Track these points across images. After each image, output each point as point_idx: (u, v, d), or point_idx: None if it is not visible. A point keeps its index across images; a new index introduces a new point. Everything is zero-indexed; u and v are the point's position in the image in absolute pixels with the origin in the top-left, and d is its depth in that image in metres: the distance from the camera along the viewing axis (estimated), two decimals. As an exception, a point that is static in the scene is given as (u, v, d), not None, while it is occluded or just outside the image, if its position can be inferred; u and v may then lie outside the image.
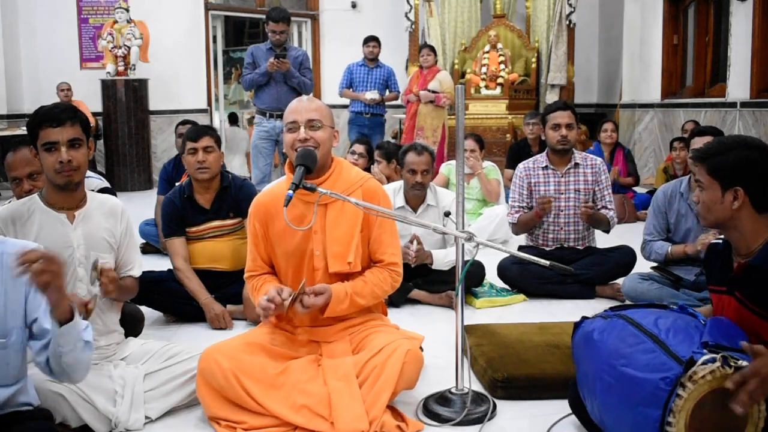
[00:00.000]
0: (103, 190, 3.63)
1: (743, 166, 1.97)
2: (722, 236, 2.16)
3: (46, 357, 1.91)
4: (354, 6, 10.36)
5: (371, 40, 7.46)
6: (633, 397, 1.83)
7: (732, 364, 1.74)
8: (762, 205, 1.98)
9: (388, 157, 5.34)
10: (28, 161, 2.78)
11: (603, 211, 4.00)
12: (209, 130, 3.62)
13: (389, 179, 5.27)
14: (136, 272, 2.60)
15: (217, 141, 3.59)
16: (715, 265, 2.13)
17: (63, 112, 2.33)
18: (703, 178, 2.04)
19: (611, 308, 2.14)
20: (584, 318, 2.16)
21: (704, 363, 1.74)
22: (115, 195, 3.69)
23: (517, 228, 4.11)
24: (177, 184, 4.16)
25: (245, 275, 2.66)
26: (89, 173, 3.83)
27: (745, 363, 1.74)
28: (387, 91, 7.47)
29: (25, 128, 8.38)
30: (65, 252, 2.35)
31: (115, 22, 8.52)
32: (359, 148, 5.39)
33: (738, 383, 1.65)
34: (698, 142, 3.57)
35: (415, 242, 3.71)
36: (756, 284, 1.94)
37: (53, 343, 1.88)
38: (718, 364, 1.74)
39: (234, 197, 3.54)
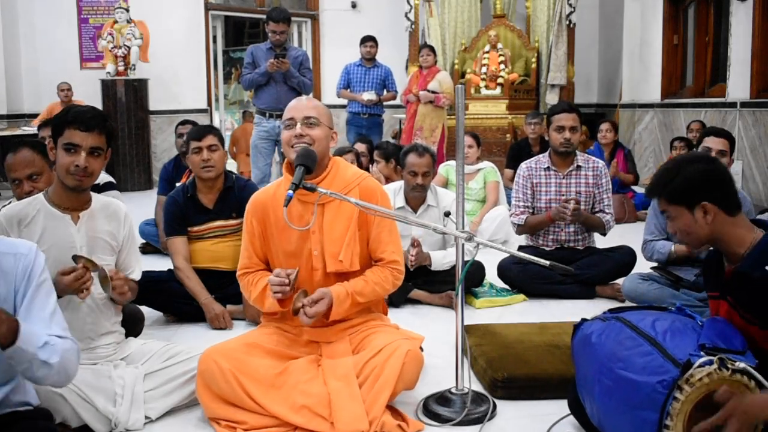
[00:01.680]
0: (106, 185, 3.65)
1: (697, 180, 1.98)
2: None
3: None
4: (354, 6, 10.36)
5: (368, 40, 7.46)
6: (631, 400, 1.83)
7: (729, 366, 1.74)
8: (731, 207, 1.99)
9: (387, 157, 5.35)
10: (29, 162, 2.78)
11: (599, 214, 4.00)
12: (213, 129, 3.65)
13: (388, 179, 5.28)
14: (136, 275, 2.61)
15: (221, 140, 3.61)
16: (710, 270, 2.14)
17: (94, 119, 2.34)
18: (668, 208, 2.06)
19: (610, 310, 2.14)
20: (583, 320, 2.16)
21: (701, 365, 1.74)
22: (118, 189, 3.73)
23: (524, 229, 4.09)
24: (178, 183, 4.17)
25: (238, 272, 2.65)
26: None
27: (741, 365, 1.74)
28: (384, 91, 7.47)
29: (25, 128, 8.34)
30: (68, 252, 2.35)
31: (115, 22, 8.52)
32: (360, 147, 5.42)
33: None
34: (710, 142, 3.50)
35: (415, 246, 3.71)
36: (745, 290, 1.94)
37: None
38: (715, 366, 1.74)
39: (237, 198, 3.54)
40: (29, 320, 1.84)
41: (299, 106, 2.52)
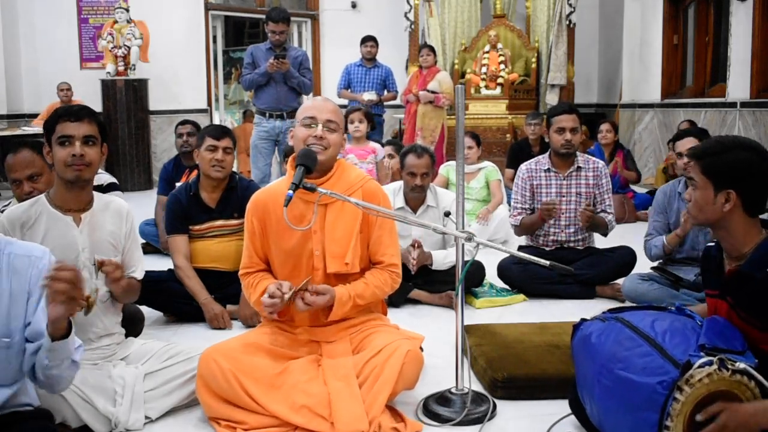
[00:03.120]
0: (110, 186, 3.66)
1: (739, 168, 1.95)
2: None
3: (33, 363, 1.89)
4: (354, 6, 10.36)
5: (369, 40, 7.47)
6: (631, 400, 1.83)
7: (729, 366, 1.74)
8: (754, 208, 1.97)
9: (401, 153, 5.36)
10: (29, 163, 2.78)
11: (602, 214, 4.00)
12: (230, 132, 3.70)
13: (397, 174, 5.30)
14: (139, 274, 2.60)
15: (235, 144, 3.69)
16: (710, 268, 2.13)
17: (82, 110, 2.39)
18: (697, 176, 2.02)
19: (610, 310, 2.13)
20: (583, 320, 2.15)
21: (701, 366, 1.74)
22: (121, 191, 3.74)
23: (520, 230, 4.10)
24: (178, 183, 4.17)
25: (240, 272, 2.65)
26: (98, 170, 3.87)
27: (741, 365, 1.74)
28: (385, 91, 7.48)
29: (25, 128, 8.32)
30: (71, 254, 2.36)
31: (115, 22, 8.52)
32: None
33: None
34: (681, 146, 3.59)
35: (415, 247, 3.71)
36: (746, 291, 1.93)
37: (41, 355, 1.86)
38: (714, 366, 1.73)
39: (239, 198, 3.55)
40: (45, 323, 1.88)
41: (320, 106, 2.53)
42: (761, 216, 2.04)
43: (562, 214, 3.97)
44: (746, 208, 1.96)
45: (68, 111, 2.37)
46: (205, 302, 3.44)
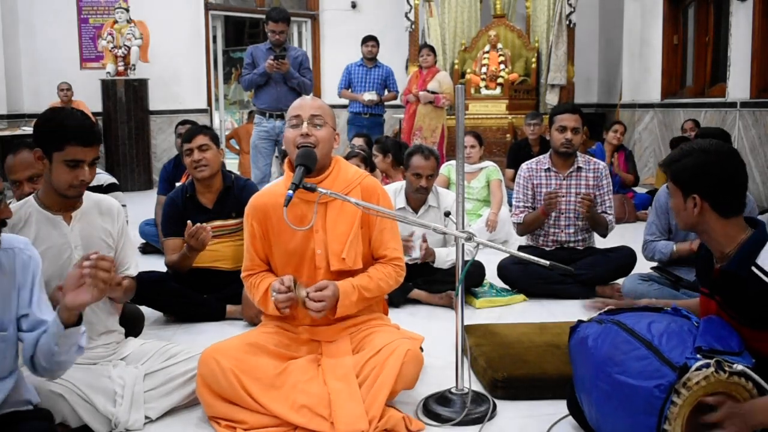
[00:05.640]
0: (110, 186, 3.66)
1: (698, 172, 1.97)
2: None
3: (32, 352, 1.93)
4: (354, 6, 10.36)
5: (369, 40, 7.47)
6: (629, 404, 1.82)
7: (726, 368, 1.73)
8: (725, 210, 1.97)
9: (385, 151, 5.35)
10: (29, 164, 2.78)
11: (602, 215, 3.99)
12: (203, 129, 3.65)
13: (385, 173, 5.29)
14: (133, 271, 2.60)
15: (213, 139, 3.60)
16: (702, 266, 2.14)
17: (93, 134, 2.32)
18: (669, 185, 2.08)
19: (606, 312, 2.13)
20: (580, 322, 2.15)
21: (698, 369, 1.73)
22: (121, 191, 3.74)
23: (523, 228, 4.10)
24: (178, 183, 4.17)
25: (242, 274, 2.66)
26: (98, 170, 3.86)
27: (739, 367, 1.74)
28: (386, 91, 7.48)
29: (25, 128, 8.25)
30: (63, 253, 2.36)
31: (115, 22, 8.52)
32: (358, 140, 5.50)
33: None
34: None
35: (424, 241, 3.71)
36: (733, 290, 1.94)
37: (49, 341, 1.89)
38: (711, 369, 1.73)
39: (236, 197, 3.55)
40: (47, 312, 1.94)
41: (305, 105, 2.53)
42: (759, 217, 2.04)
43: (561, 213, 3.97)
44: (716, 210, 1.97)
45: (79, 134, 2.27)
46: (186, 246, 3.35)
